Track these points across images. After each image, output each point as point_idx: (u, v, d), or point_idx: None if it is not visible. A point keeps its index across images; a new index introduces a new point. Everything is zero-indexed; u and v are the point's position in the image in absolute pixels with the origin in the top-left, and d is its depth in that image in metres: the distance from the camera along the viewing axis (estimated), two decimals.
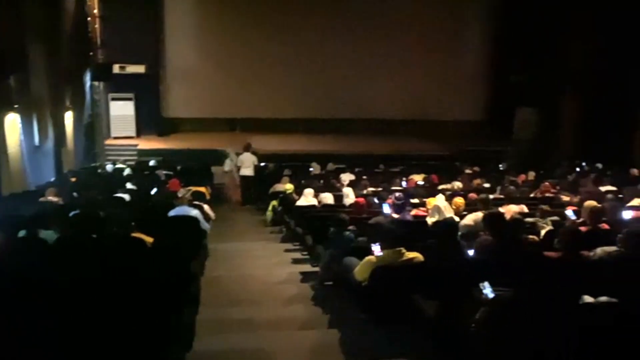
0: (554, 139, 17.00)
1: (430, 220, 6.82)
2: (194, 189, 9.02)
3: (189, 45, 19.41)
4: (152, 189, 9.69)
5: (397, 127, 19.82)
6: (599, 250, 4.60)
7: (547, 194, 9.32)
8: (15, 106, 10.40)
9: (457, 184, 10.44)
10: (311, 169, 13.77)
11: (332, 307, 5.20)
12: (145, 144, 17.54)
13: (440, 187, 10.17)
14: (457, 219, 6.57)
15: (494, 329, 3.16)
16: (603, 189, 9.19)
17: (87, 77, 16.25)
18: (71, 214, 5.62)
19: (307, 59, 19.37)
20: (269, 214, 10.66)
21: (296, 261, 7.47)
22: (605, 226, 5.70)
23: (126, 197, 8.33)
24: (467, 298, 3.45)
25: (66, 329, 3.10)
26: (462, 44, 20.25)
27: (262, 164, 13.75)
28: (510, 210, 6.86)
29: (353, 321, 4.69)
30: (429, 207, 7.54)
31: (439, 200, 7.54)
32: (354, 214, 7.08)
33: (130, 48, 17.60)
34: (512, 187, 9.48)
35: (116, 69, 17.50)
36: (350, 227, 6.05)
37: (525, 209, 7.33)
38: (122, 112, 18.30)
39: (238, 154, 13.16)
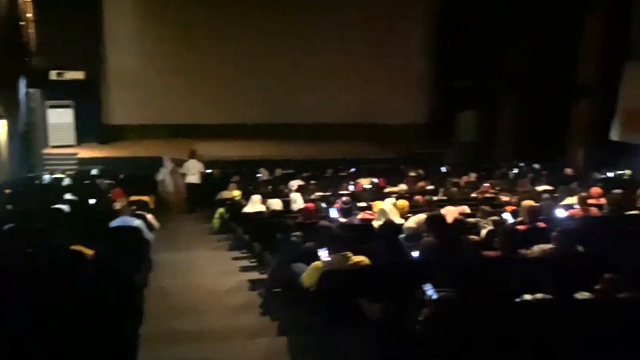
0: (494, 141, 17.68)
1: (376, 223, 6.91)
2: (137, 198, 8.80)
3: (130, 50, 18.85)
4: (92, 199, 9.38)
5: (344, 131, 19.86)
6: (536, 248, 4.79)
7: (487, 195, 9.61)
8: None
9: (403, 187, 10.65)
10: (259, 175, 13.66)
11: (281, 314, 5.18)
12: (85, 152, 16.91)
13: (387, 190, 10.34)
14: (402, 221, 6.69)
15: (437, 329, 3.22)
16: (539, 188, 9.57)
17: (22, 84, 15.57)
18: (5, 227, 5.39)
19: (251, 64, 19.18)
20: (216, 221, 10.49)
21: (244, 269, 7.42)
22: (542, 224, 5.94)
23: (65, 208, 8.02)
24: (412, 299, 3.51)
25: None
26: (407, 49, 20.54)
27: (208, 171, 13.56)
28: (451, 211, 7.02)
29: (302, 327, 4.69)
30: (375, 210, 7.65)
31: (385, 203, 7.65)
32: (304, 219, 7.09)
33: (68, 53, 16.97)
34: (454, 189, 9.67)
35: (53, 75, 16.90)
36: (297, 233, 6.05)
37: (467, 209, 7.54)
38: (60, 119, 17.57)
39: (176, 161, 12.89)
